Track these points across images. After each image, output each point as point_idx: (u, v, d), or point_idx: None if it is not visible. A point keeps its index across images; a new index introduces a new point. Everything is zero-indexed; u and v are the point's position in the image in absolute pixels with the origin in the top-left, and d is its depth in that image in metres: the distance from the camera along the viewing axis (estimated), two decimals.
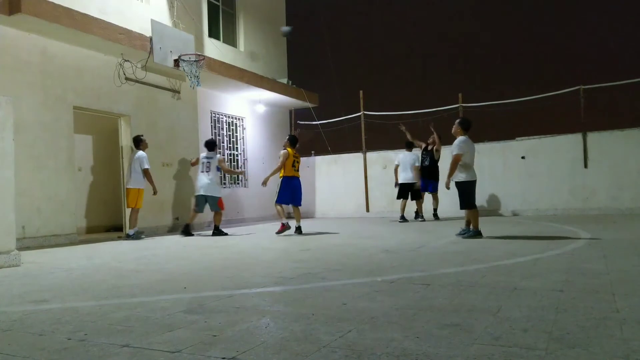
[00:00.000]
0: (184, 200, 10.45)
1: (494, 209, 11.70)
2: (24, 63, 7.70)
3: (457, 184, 6.51)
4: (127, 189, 8.68)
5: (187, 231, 8.86)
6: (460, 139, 6.54)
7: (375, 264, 4.52)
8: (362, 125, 13.17)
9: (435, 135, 10.46)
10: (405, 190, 10.48)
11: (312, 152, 14.08)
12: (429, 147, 10.57)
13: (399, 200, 10.66)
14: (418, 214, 10.66)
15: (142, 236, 8.57)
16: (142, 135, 8.89)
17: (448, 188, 6.76)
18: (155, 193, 8.72)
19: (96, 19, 8.18)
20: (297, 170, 8.35)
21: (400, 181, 10.51)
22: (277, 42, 14.45)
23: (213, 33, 12.03)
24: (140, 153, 8.66)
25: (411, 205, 10.64)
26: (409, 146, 10.71)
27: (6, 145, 5.17)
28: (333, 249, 5.98)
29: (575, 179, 11.14)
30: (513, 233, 7.12)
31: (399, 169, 10.54)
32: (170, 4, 10.21)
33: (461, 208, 6.66)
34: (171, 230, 9.99)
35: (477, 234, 6.50)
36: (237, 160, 12.75)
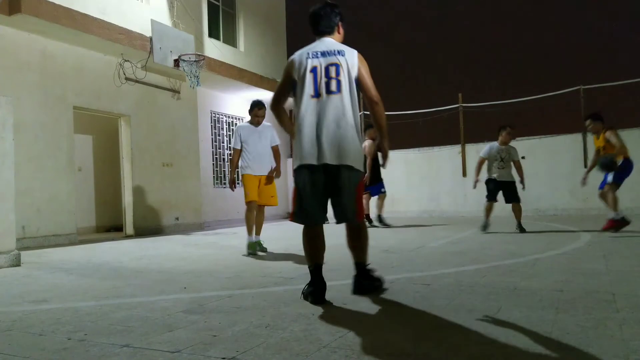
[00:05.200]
0: (184, 200, 10.44)
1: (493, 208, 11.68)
2: (24, 63, 7.70)
3: None
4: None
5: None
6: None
7: (375, 264, 4.51)
8: (362, 125, 13.16)
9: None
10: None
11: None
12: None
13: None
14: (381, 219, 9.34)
15: (251, 251, 5.79)
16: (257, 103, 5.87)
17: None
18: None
19: (96, 19, 8.18)
20: None
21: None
22: (277, 42, 14.45)
23: (213, 33, 12.03)
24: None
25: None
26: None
27: (6, 145, 5.17)
28: (333, 248, 5.96)
29: (575, 179, 11.11)
30: (513, 233, 7.12)
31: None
32: (170, 4, 10.21)
33: None
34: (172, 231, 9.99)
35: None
36: None
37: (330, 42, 3.15)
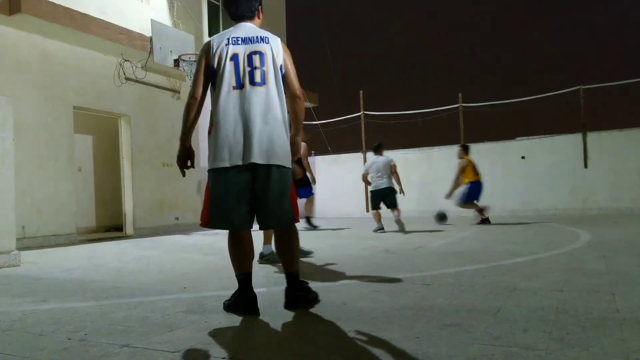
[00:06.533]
0: (184, 200, 10.44)
1: (493, 208, 11.69)
2: (24, 63, 7.70)
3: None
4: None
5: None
6: None
7: (375, 264, 4.52)
8: (362, 125, 13.17)
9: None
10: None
11: (312, 152, 14.09)
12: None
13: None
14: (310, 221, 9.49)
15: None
16: None
17: None
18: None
19: (96, 19, 8.18)
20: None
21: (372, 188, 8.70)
22: None
23: (213, 33, 12.01)
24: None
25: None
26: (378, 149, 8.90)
27: (6, 145, 5.17)
28: (332, 249, 5.97)
29: (575, 179, 11.14)
30: (513, 233, 7.12)
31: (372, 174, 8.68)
32: (170, 4, 10.21)
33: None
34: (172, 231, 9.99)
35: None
36: None
37: (251, 28, 2.83)
